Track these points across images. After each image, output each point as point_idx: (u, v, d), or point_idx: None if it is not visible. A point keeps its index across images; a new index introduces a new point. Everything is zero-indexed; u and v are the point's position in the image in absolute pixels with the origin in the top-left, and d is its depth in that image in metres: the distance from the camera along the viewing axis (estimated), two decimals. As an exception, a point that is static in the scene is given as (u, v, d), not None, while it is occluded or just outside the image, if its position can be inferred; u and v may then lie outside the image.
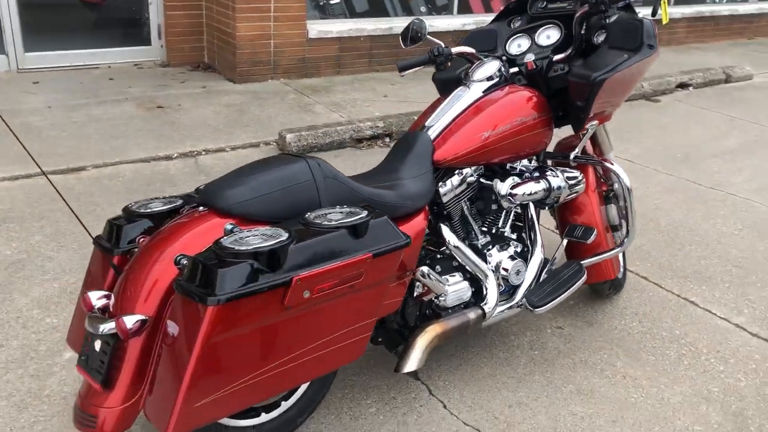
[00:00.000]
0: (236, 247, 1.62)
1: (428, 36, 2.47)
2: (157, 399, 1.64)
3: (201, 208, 1.89)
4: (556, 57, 2.49)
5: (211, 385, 1.59)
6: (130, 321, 1.66)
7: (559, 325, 2.76)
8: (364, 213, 1.82)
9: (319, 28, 5.73)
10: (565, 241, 2.63)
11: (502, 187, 2.34)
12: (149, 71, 5.78)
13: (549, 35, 2.57)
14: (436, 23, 6.31)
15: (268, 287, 1.60)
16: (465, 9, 6.66)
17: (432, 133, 2.31)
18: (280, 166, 1.93)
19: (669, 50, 7.98)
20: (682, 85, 6.40)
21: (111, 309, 1.80)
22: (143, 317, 1.68)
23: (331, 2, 5.98)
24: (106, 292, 1.84)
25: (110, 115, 4.69)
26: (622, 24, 2.39)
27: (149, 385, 1.68)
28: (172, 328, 1.64)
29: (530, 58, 2.51)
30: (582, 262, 2.60)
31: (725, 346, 2.68)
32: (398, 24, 6.10)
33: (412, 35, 2.49)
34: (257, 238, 1.68)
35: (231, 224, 1.79)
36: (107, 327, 1.69)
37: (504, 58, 2.54)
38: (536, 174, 2.43)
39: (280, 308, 1.65)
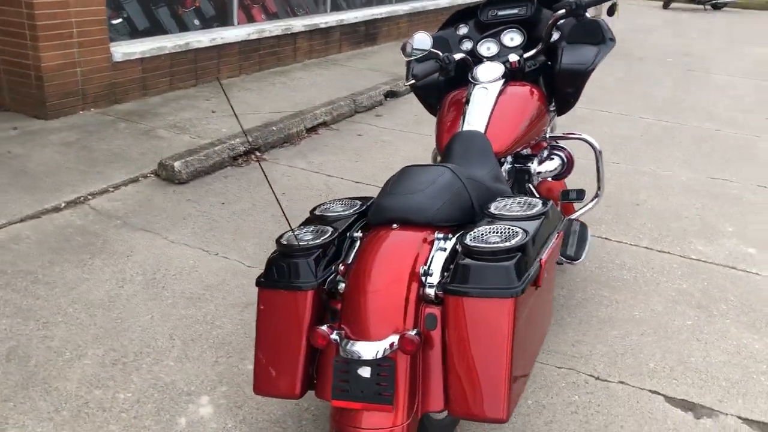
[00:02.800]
0: (505, 244, 1.83)
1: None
2: (471, 392, 1.79)
3: (395, 225, 2.01)
4: (527, 54, 2.99)
5: (518, 366, 1.81)
6: (411, 336, 1.78)
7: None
8: (543, 200, 2.13)
9: (122, 50, 5.39)
10: (558, 205, 3.18)
11: (539, 167, 2.79)
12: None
13: (512, 38, 3.06)
14: (225, 35, 6.33)
15: (535, 272, 1.86)
16: (249, 19, 6.76)
17: (483, 130, 2.65)
18: (435, 175, 2.13)
19: (401, 41, 8.99)
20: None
21: (345, 337, 1.85)
22: (415, 331, 1.80)
23: (113, 22, 5.64)
24: (328, 325, 1.88)
25: (-64, 174, 3.96)
26: (583, 24, 2.97)
27: (448, 388, 1.81)
28: (461, 329, 1.79)
29: (514, 58, 2.97)
30: (571, 217, 3.17)
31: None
32: (195, 39, 6.00)
33: (415, 53, 2.80)
34: (501, 234, 1.90)
35: (440, 233, 1.99)
36: (381, 349, 1.77)
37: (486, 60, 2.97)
38: (546, 154, 2.93)
39: (533, 291, 1.92)
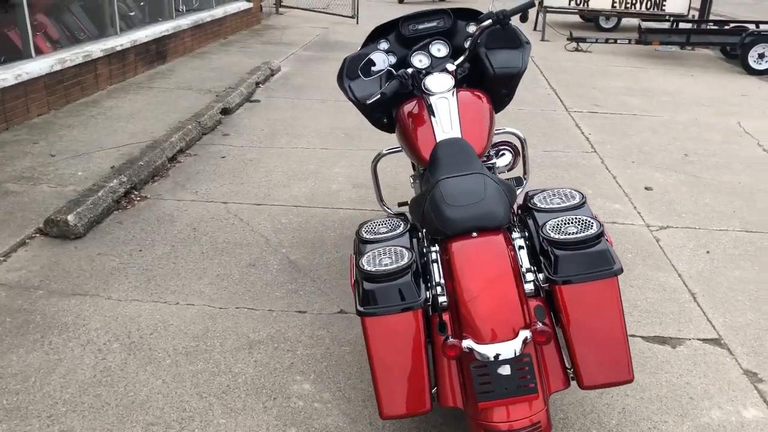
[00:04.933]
0: (589, 232, 2.11)
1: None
2: (599, 364, 2.05)
3: (474, 234, 2.19)
4: (457, 61, 3.26)
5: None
6: (542, 328, 2.00)
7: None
8: (576, 191, 2.42)
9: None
10: None
11: (501, 162, 3.10)
12: None
13: (439, 48, 3.32)
14: (29, 69, 5.69)
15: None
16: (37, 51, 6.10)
17: (460, 136, 2.89)
18: (480, 182, 2.35)
19: (190, 57, 8.75)
20: (258, 84, 7.38)
21: (476, 343, 2.01)
22: (543, 324, 2.02)
23: None
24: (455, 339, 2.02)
25: None
26: (500, 31, 3.31)
27: (573, 367, 2.06)
28: (578, 313, 2.05)
29: (451, 67, 3.22)
30: None
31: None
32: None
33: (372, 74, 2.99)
34: (577, 225, 2.18)
35: (515, 233, 2.23)
36: (518, 346, 1.97)
37: (423, 71, 3.19)
38: (498, 151, 3.24)
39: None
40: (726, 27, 10.39)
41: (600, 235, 2.12)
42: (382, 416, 2.07)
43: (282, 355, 2.83)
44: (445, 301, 2.14)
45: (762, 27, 9.68)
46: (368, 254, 2.23)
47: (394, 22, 3.44)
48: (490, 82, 3.23)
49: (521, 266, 2.16)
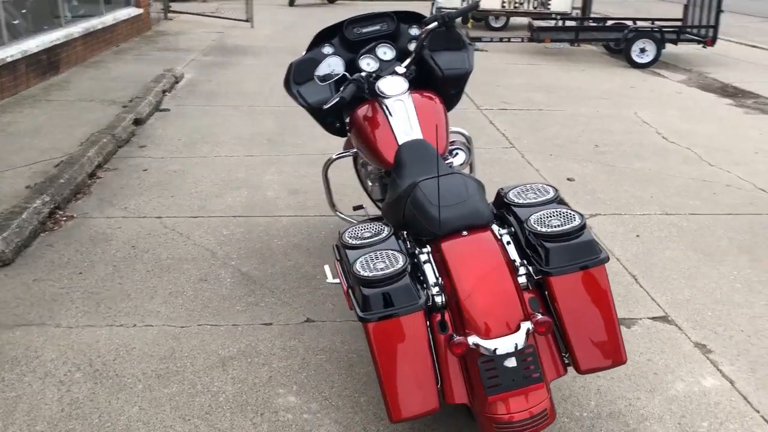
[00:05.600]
0: (574, 223, 2.21)
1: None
2: (594, 349, 2.15)
3: (464, 232, 2.24)
4: (404, 64, 3.30)
5: None
6: (542, 318, 2.07)
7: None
8: (550, 186, 2.51)
9: None
10: None
11: (456, 161, 3.16)
12: None
13: (385, 52, 3.35)
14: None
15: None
16: None
17: (421, 137, 2.93)
18: (461, 182, 2.41)
19: (85, 67, 8.32)
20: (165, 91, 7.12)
21: (481, 338, 2.06)
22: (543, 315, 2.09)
23: None
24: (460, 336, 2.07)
25: None
26: (444, 33, 3.37)
27: (571, 351, 2.14)
28: (571, 301, 2.13)
29: (402, 70, 3.26)
30: None
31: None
32: None
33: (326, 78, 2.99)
34: (560, 217, 2.26)
35: (501, 229, 2.30)
36: (522, 338, 2.04)
37: (374, 74, 3.20)
38: (450, 150, 3.31)
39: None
40: (606, 24, 11.05)
41: (584, 226, 2.22)
42: (393, 419, 2.08)
43: (258, 369, 2.77)
44: (442, 300, 2.17)
45: (639, 24, 10.37)
46: (360, 260, 2.22)
47: (338, 25, 3.43)
48: (439, 83, 3.29)
49: (513, 260, 2.23)
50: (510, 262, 2.21)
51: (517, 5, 11.78)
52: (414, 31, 3.46)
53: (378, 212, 3.92)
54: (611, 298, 2.19)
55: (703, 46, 9.95)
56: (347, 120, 3.29)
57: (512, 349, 2.03)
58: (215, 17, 12.86)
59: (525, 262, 2.24)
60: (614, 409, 2.58)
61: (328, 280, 3.38)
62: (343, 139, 3.93)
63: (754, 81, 8.86)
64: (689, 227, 4.22)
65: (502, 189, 2.58)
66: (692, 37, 10.00)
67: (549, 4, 11.79)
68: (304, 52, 3.43)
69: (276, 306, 3.24)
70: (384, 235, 2.37)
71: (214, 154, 5.39)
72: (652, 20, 10.53)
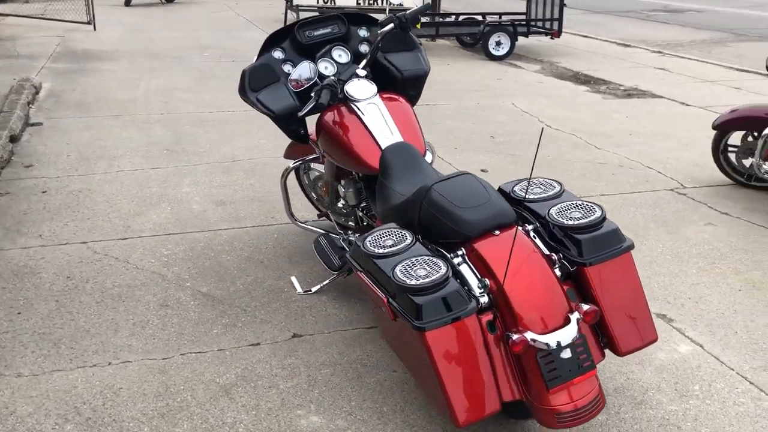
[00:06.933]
0: (596, 214, 2.33)
1: None
2: (630, 331, 2.28)
3: (496, 232, 2.28)
4: (361, 65, 3.26)
5: None
6: (591, 308, 2.17)
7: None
8: (555, 181, 2.60)
9: None
10: None
11: (427, 159, 3.19)
12: None
13: (340, 54, 3.29)
14: None
15: None
16: None
17: (402, 140, 2.92)
18: (477, 182, 2.45)
19: None
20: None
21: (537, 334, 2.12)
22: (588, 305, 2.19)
23: None
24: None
25: None
26: (396, 34, 3.36)
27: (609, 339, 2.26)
28: (607, 289, 2.25)
29: (363, 72, 3.21)
30: None
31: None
32: None
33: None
34: (581, 209, 2.37)
35: (528, 225, 2.37)
36: (575, 330, 2.13)
37: (338, 78, 3.14)
38: None
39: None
40: (459, 19, 11.53)
41: (605, 217, 2.35)
42: (460, 425, 2.08)
43: (266, 393, 2.64)
44: (487, 301, 2.20)
45: (489, 18, 10.92)
46: (398, 269, 2.19)
47: (288, 29, 3.32)
48: (398, 85, 3.29)
49: (548, 255, 2.30)
50: (545, 257, 2.28)
51: (371, 2, 11.94)
52: (363, 32, 3.44)
53: (318, 218, 3.88)
54: (640, 282, 2.34)
55: (551, 38, 10.71)
56: (317, 125, 3.20)
57: (569, 341, 2.11)
58: (50, 20, 11.82)
59: (560, 255, 2.31)
60: (617, 384, 2.75)
61: (298, 292, 3.34)
62: (284, 146, 3.83)
63: (599, 69, 9.67)
64: (606, 208, 4.54)
65: (502, 187, 2.64)
66: (541, 29, 10.72)
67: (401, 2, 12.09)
68: (255, 58, 3.29)
69: (255, 324, 3.09)
70: (409, 241, 2.35)
71: (114, 169, 4.99)
72: (500, 14, 11.14)
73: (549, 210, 2.41)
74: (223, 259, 3.69)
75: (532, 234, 2.38)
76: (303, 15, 12.29)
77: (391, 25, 3.28)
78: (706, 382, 2.78)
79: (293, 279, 3.44)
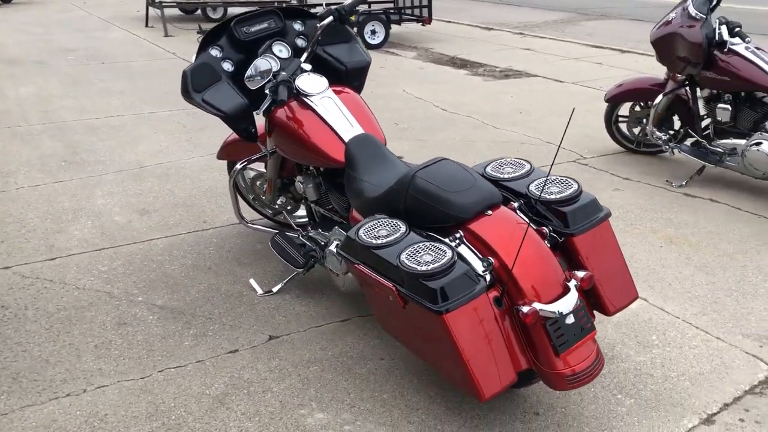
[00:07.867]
0: (573, 188, 2.48)
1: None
2: (616, 292, 2.44)
3: (489, 212, 2.38)
4: (302, 59, 3.23)
5: None
6: (587, 274, 2.32)
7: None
8: (523, 159, 2.72)
9: None
10: None
11: None
12: None
13: (280, 49, 3.24)
14: None
15: None
16: None
17: (365, 131, 2.94)
18: (458, 166, 2.53)
19: None
20: None
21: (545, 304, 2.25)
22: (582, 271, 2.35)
23: None
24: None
25: None
26: (332, 27, 3.35)
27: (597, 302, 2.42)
28: (593, 255, 2.41)
29: (308, 66, 3.18)
30: None
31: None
32: None
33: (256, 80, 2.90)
34: (558, 184, 2.51)
35: (514, 203, 2.49)
36: (575, 297, 2.28)
37: (292, 72, 3.10)
38: None
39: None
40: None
41: (582, 189, 2.51)
42: (484, 399, 2.16)
43: (263, 398, 2.59)
44: (490, 279, 2.29)
45: (360, 8, 11.03)
46: (403, 256, 2.23)
47: (224, 25, 3.23)
48: (342, 77, 3.31)
49: (538, 229, 2.43)
50: (537, 231, 2.41)
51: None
52: (298, 26, 3.41)
53: (261, 216, 3.83)
54: (619, 245, 2.52)
55: (422, 25, 11.00)
56: (269, 122, 3.14)
57: (573, 308, 2.25)
58: None
59: (549, 228, 2.44)
60: (622, 352, 2.93)
61: (259, 294, 3.29)
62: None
63: (472, 52, 10.08)
64: (522, 183, 4.80)
65: (475, 168, 2.74)
66: (412, 17, 10.97)
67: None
68: (194, 58, 3.17)
69: (226, 331, 3.00)
70: (404, 229, 2.39)
71: (13, 186, 4.60)
72: (369, 3, 11.29)
73: (528, 186, 2.53)
74: (168, 269, 3.53)
75: (518, 211, 2.49)
76: (167, 12, 11.82)
77: (331, 17, 3.28)
78: (660, 331, 3.04)
79: (252, 281, 3.36)
